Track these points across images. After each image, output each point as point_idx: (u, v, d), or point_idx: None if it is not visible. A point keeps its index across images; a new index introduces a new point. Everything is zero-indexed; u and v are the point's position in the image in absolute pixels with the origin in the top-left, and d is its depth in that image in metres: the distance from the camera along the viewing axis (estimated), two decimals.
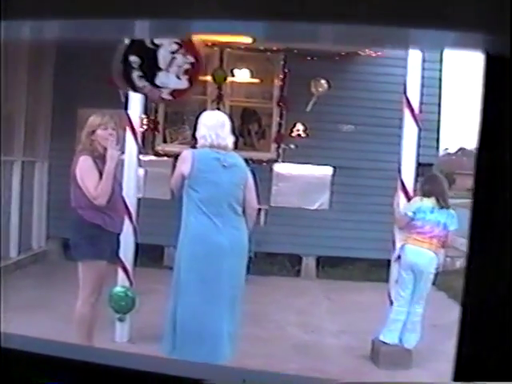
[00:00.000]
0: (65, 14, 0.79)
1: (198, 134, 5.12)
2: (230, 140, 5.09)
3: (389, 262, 6.41)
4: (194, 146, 5.48)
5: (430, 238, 5.87)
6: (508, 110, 0.82)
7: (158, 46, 5.20)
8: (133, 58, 5.16)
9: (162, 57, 5.20)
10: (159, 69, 5.24)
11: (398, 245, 6.06)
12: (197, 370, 1.17)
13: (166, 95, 5.38)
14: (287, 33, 0.85)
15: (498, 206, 0.85)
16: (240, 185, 5.05)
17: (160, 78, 5.28)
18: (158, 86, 5.30)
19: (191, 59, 5.25)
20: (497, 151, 0.84)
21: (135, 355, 1.64)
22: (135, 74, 5.21)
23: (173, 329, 4.95)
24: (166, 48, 5.19)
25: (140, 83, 5.26)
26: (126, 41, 5.00)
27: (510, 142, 0.82)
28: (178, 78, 5.28)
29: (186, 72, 5.30)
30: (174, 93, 5.38)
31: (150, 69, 5.24)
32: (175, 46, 5.18)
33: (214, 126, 5.05)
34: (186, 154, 5.12)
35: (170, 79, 5.28)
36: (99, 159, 5.04)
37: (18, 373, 1.02)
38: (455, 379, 0.89)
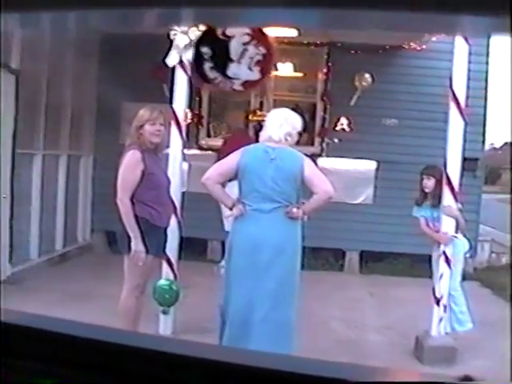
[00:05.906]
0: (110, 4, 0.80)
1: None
2: (283, 134, 4.96)
3: (431, 257, 6.34)
4: None
5: None
6: None
7: (229, 37, 5.25)
8: (205, 50, 5.20)
9: (234, 48, 5.26)
10: (231, 60, 5.29)
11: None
12: (248, 358, 1.17)
13: (237, 86, 5.44)
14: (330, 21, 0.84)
15: None
16: (288, 179, 4.91)
17: (232, 70, 5.34)
18: (229, 77, 5.35)
19: (263, 51, 5.29)
20: None
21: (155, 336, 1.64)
22: (207, 66, 5.27)
23: (222, 321, 5.02)
24: (238, 39, 5.25)
25: (212, 74, 5.33)
26: (198, 32, 5.06)
27: None
28: (250, 69, 5.33)
29: (258, 63, 5.34)
30: (246, 84, 5.43)
31: (222, 60, 5.29)
32: (247, 38, 5.23)
33: (279, 121, 4.99)
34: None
35: (242, 70, 5.34)
36: (148, 152, 5.06)
37: (18, 347, 1.04)
38: None
